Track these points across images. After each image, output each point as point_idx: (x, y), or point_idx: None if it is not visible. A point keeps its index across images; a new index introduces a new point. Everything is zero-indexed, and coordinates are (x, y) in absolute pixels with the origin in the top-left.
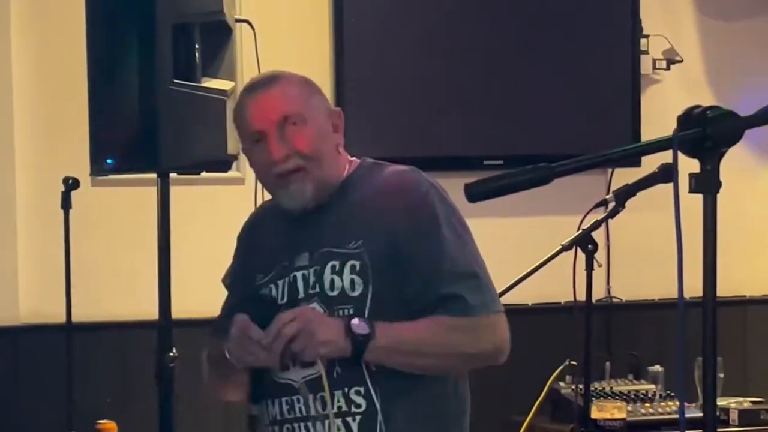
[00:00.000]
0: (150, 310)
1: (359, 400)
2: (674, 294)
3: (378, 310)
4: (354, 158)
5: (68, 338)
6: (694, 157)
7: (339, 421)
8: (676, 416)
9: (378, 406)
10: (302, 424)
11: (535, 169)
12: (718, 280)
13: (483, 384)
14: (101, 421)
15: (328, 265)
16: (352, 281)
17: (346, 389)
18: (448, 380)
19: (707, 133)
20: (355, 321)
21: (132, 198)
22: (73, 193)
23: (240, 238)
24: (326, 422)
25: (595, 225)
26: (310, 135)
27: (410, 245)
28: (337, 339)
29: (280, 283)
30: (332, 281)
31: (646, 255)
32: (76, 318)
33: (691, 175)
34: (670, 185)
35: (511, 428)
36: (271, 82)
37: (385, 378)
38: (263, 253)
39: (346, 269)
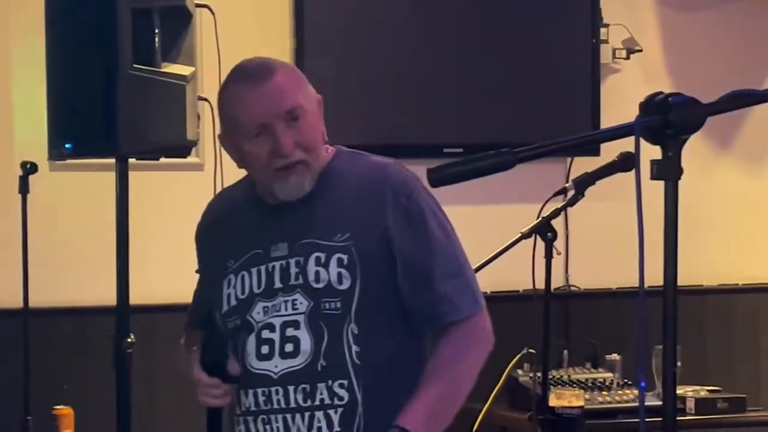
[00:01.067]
0: (108, 296)
1: (342, 392)
2: (632, 283)
3: (365, 305)
4: (328, 146)
5: (25, 324)
6: (655, 143)
7: (321, 414)
8: (634, 404)
9: (359, 398)
10: (280, 416)
11: (498, 154)
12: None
13: None
14: (58, 407)
15: (312, 257)
16: (339, 274)
17: (330, 382)
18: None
19: (669, 120)
20: None
21: (90, 183)
22: (32, 178)
23: (201, 228)
24: None
25: (555, 213)
26: (309, 126)
27: (402, 243)
28: None
29: (254, 271)
30: (317, 273)
31: (604, 244)
32: (33, 303)
33: (653, 162)
34: (629, 174)
35: (469, 416)
36: (269, 72)
37: (370, 371)
38: (233, 240)
39: (333, 262)
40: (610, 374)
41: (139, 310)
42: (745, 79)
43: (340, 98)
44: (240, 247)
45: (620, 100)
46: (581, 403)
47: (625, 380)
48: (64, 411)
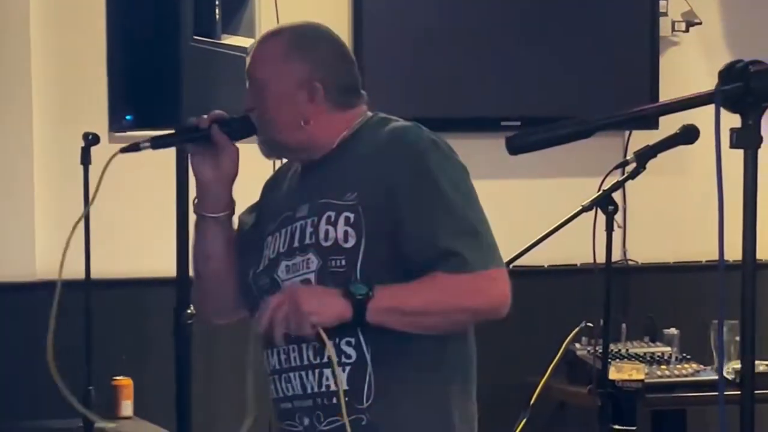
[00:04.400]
0: (168, 268)
1: (350, 350)
2: (690, 257)
3: (370, 263)
4: (370, 113)
5: (86, 295)
6: (735, 111)
7: (329, 371)
8: (693, 378)
9: (368, 357)
10: (297, 374)
11: (577, 122)
12: (732, 244)
13: (500, 345)
14: (117, 378)
15: (325, 216)
16: (346, 233)
17: (336, 339)
18: (442, 336)
19: (749, 88)
20: (353, 284)
21: (151, 154)
22: (93, 149)
23: (263, 188)
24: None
25: (616, 186)
26: (267, 100)
27: (407, 201)
28: (330, 304)
29: (283, 231)
30: (327, 232)
31: (662, 218)
32: (93, 274)
33: (732, 130)
34: (687, 147)
35: (527, 389)
36: (267, 38)
37: (377, 330)
38: (274, 202)
39: (341, 220)
40: (668, 348)
41: None
42: None
43: (397, 71)
44: (276, 210)
45: (679, 73)
46: (642, 376)
47: (684, 354)
48: (124, 381)
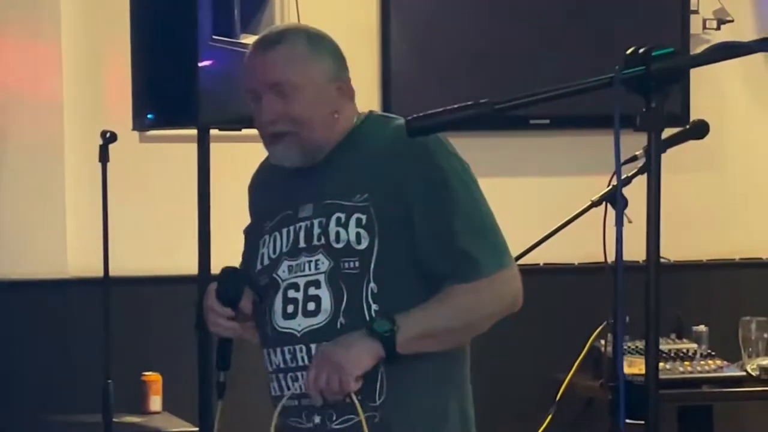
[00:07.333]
0: (191, 265)
1: None
2: (723, 254)
3: (384, 265)
4: (362, 112)
5: (106, 291)
6: (639, 94)
7: None
8: (715, 374)
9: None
10: (306, 374)
11: (477, 106)
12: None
13: (528, 342)
14: (146, 373)
15: (333, 217)
16: (358, 234)
17: None
18: None
19: (651, 72)
20: (374, 321)
21: (177, 154)
22: (119, 148)
23: (249, 188)
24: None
25: (626, 181)
26: (302, 101)
27: (419, 201)
28: (363, 352)
29: (284, 231)
30: (338, 233)
31: (694, 215)
32: (124, 272)
33: (638, 113)
34: (723, 145)
35: (553, 386)
36: (275, 43)
37: None
38: (270, 201)
39: (352, 222)
40: (694, 345)
41: None
42: None
43: (425, 67)
44: (274, 209)
45: (710, 71)
46: None
47: (710, 351)
48: (153, 377)
